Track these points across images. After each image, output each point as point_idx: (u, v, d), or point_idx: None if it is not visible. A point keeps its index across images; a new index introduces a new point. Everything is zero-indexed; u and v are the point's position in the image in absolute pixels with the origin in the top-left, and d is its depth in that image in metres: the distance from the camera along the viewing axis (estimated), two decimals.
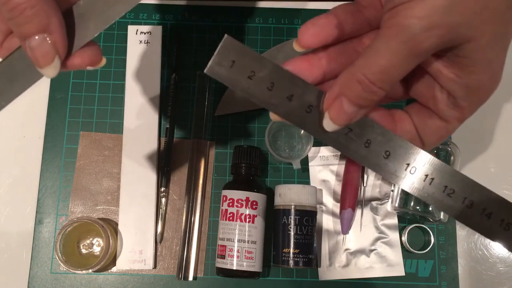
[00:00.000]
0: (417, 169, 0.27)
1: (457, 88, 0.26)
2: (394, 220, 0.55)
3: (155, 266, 0.54)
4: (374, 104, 0.26)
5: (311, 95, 0.27)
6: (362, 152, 0.28)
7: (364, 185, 0.55)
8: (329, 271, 0.54)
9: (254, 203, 0.51)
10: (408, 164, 0.27)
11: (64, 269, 0.53)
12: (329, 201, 0.56)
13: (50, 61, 0.25)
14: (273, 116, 0.29)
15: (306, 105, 0.27)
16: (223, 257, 0.50)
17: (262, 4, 0.61)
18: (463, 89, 0.26)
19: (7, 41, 0.28)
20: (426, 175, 0.27)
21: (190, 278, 0.53)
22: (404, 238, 0.54)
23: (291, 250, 0.50)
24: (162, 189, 0.55)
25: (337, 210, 0.55)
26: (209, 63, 0.29)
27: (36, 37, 0.25)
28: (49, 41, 0.25)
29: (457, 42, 0.24)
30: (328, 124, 0.27)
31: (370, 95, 0.25)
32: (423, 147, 0.29)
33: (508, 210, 0.27)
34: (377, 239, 0.54)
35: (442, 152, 0.52)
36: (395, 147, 0.27)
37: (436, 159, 0.27)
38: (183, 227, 0.54)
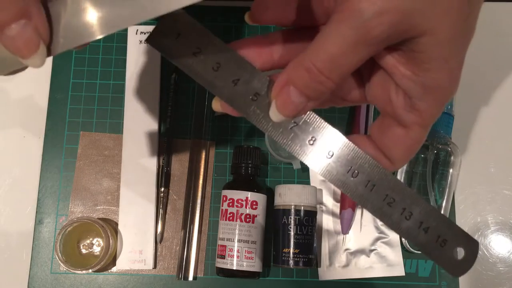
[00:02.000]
0: (359, 174, 0.26)
1: (413, 86, 0.24)
2: None
3: (155, 266, 0.54)
4: (324, 96, 0.24)
5: (258, 83, 0.26)
6: (306, 149, 0.26)
7: None
8: (329, 271, 0.54)
9: (254, 203, 0.51)
10: (351, 167, 0.26)
11: (64, 269, 0.53)
12: (329, 201, 0.56)
13: (35, 48, 0.22)
14: (215, 105, 0.27)
15: (253, 92, 0.26)
16: (223, 257, 0.50)
17: None
18: (419, 88, 0.24)
19: None
20: (368, 181, 0.26)
21: (190, 278, 0.53)
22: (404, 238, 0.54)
23: (291, 250, 0.50)
24: (162, 189, 0.55)
25: (337, 210, 0.55)
26: (152, 31, 0.26)
27: (15, 25, 0.22)
28: (31, 27, 0.22)
29: (412, 34, 0.22)
30: (274, 114, 0.25)
31: (318, 85, 0.23)
32: (393, 165, 0.27)
33: (445, 226, 0.26)
34: (377, 239, 0.54)
35: (442, 152, 0.52)
36: (338, 148, 0.26)
37: (379, 165, 0.26)
38: (183, 227, 0.54)
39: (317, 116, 0.26)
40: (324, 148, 0.26)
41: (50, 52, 0.23)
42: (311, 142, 0.26)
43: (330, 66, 0.22)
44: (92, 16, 0.23)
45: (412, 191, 0.26)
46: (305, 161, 0.26)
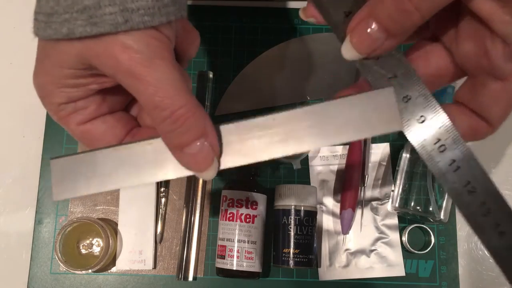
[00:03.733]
0: (447, 148, 0.24)
1: None
2: (394, 220, 0.55)
3: (155, 266, 0.53)
4: (406, 34, 0.22)
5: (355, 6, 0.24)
6: (400, 105, 0.25)
7: (364, 185, 0.55)
8: (329, 271, 0.54)
9: (254, 203, 0.51)
10: (439, 140, 0.24)
11: (64, 269, 0.53)
12: (329, 201, 0.56)
13: (210, 163, 0.25)
14: (304, 13, 0.26)
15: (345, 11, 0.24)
16: (223, 257, 0.50)
17: (262, 4, 0.61)
18: None
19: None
20: (453, 160, 0.24)
21: (190, 278, 0.53)
22: (405, 238, 0.54)
23: (291, 250, 0.50)
24: (162, 189, 0.55)
25: (337, 210, 0.55)
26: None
27: (196, 143, 0.24)
28: (207, 144, 0.24)
29: None
30: (347, 49, 0.23)
31: (403, 16, 0.21)
32: (491, 127, 0.25)
33: None
34: (377, 239, 0.54)
35: None
36: (431, 113, 0.24)
37: (471, 150, 0.24)
38: (183, 227, 0.54)
39: (415, 75, 0.25)
40: (416, 110, 0.25)
41: (219, 166, 0.25)
42: (405, 100, 0.25)
43: None
44: (252, 145, 0.25)
45: (495, 186, 0.24)
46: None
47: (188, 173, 0.25)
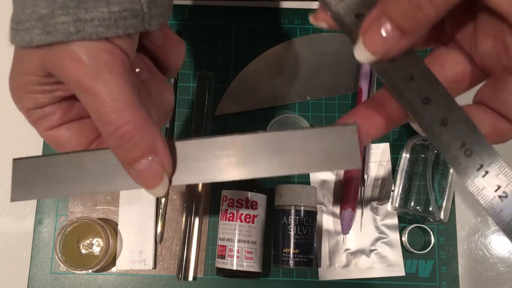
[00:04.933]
0: (473, 152, 0.23)
1: None
2: (394, 220, 0.55)
3: (155, 266, 0.53)
4: (421, 31, 0.21)
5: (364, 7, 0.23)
6: (417, 106, 0.23)
7: (364, 185, 0.55)
8: (329, 271, 0.54)
9: (254, 203, 0.51)
10: (464, 144, 0.23)
11: (64, 269, 0.53)
12: (329, 201, 0.56)
13: (159, 181, 0.24)
14: (315, 18, 0.25)
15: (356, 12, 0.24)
16: (223, 257, 0.50)
17: (262, 4, 0.61)
18: None
19: None
20: (481, 165, 0.23)
21: (190, 278, 0.53)
22: (404, 238, 0.54)
23: (291, 250, 0.50)
24: None
25: (337, 210, 0.55)
26: None
27: (144, 160, 0.24)
28: (157, 162, 0.24)
29: None
30: (360, 51, 0.22)
31: (417, 12, 0.20)
32: None
33: None
34: (377, 239, 0.54)
35: None
36: (454, 116, 0.23)
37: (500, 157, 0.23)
38: (183, 227, 0.54)
39: (435, 76, 0.24)
40: (438, 113, 0.23)
41: (170, 183, 0.25)
42: (425, 101, 0.23)
43: None
44: (207, 165, 0.25)
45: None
46: (417, 119, 0.24)
47: (140, 187, 0.25)
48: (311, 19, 0.26)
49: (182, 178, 0.25)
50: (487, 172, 0.23)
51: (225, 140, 0.25)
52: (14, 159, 0.26)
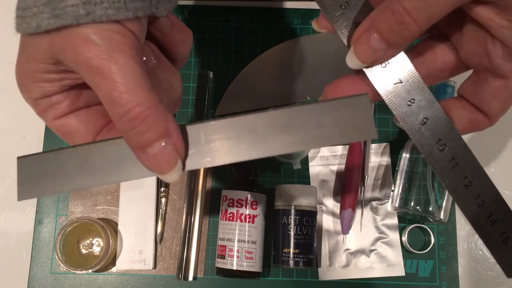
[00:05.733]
0: (447, 147, 0.26)
1: (510, 35, 0.24)
2: (394, 220, 0.55)
3: (155, 266, 0.54)
4: (405, 44, 0.24)
5: (361, 15, 0.25)
6: (403, 108, 0.26)
7: (364, 185, 0.55)
8: (329, 271, 0.54)
9: (254, 203, 0.51)
10: (440, 140, 0.26)
11: (64, 269, 0.53)
12: (329, 201, 0.56)
13: (173, 165, 0.24)
14: (317, 25, 0.27)
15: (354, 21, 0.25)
16: (223, 257, 0.50)
17: (262, 4, 0.61)
18: None
19: (97, 140, 0.27)
20: (453, 158, 0.26)
21: (190, 278, 0.53)
22: (404, 238, 0.54)
23: (291, 250, 0.50)
24: (162, 189, 0.55)
25: (337, 210, 0.55)
26: None
27: (157, 144, 0.23)
28: (170, 145, 0.23)
29: None
30: (351, 59, 0.25)
31: (402, 28, 0.23)
32: (490, 120, 0.27)
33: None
34: (377, 239, 0.54)
35: None
36: (434, 116, 0.26)
37: (468, 147, 0.26)
38: (183, 227, 0.54)
39: (420, 78, 0.26)
40: (419, 112, 0.26)
41: (184, 168, 0.24)
42: (409, 103, 0.26)
43: (419, 6, 0.22)
44: (219, 147, 0.24)
45: (489, 179, 0.26)
46: (401, 120, 0.26)
47: (152, 174, 0.24)
48: (314, 25, 0.27)
49: (196, 162, 0.24)
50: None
51: (236, 120, 0.24)
52: (19, 157, 0.25)
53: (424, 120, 0.26)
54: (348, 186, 0.54)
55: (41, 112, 0.27)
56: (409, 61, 0.25)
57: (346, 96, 0.24)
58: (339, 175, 0.56)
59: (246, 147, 0.24)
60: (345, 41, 0.26)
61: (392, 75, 0.25)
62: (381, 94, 0.26)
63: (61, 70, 0.25)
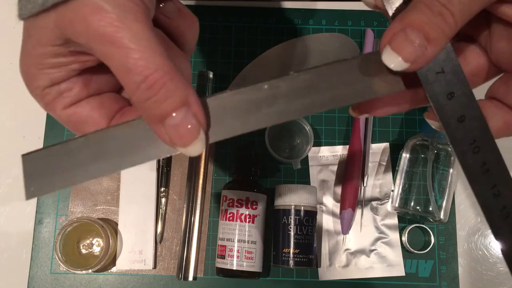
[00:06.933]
0: (480, 150, 0.24)
1: None
2: (394, 220, 0.55)
3: (155, 266, 0.54)
4: (444, 41, 0.22)
5: None
6: (442, 100, 0.24)
7: (364, 185, 0.55)
8: (329, 271, 0.54)
9: (254, 203, 0.51)
10: (474, 141, 0.24)
11: (64, 269, 0.53)
12: (329, 201, 0.56)
13: (196, 135, 0.22)
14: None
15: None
16: (223, 257, 0.50)
17: (262, 4, 0.61)
18: None
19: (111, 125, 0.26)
20: (484, 163, 0.24)
21: (190, 278, 0.53)
22: (404, 238, 0.54)
23: (291, 250, 0.50)
24: (162, 189, 0.55)
25: (337, 210, 0.55)
26: None
27: (178, 113, 0.22)
28: (191, 114, 0.22)
29: None
30: (388, 56, 0.22)
31: (440, 20, 0.21)
32: None
33: None
34: (377, 239, 0.54)
35: (442, 152, 0.52)
36: (472, 115, 0.24)
37: (501, 154, 0.24)
38: (183, 227, 0.54)
39: (462, 71, 0.24)
40: (458, 108, 0.24)
41: (207, 139, 0.23)
42: (449, 96, 0.24)
43: (453, 0, 0.21)
44: (240, 116, 0.23)
45: None
46: (438, 112, 0.24)
47: (171, 151, 0.23)
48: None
49: (220, 132, 0.23)
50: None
51: (259, 87, 0.23)
52: (23, 155, 0.24)
53: (461, 117, 0.24)
54: (348, 186, 0.54)
55: (49, 102, 0.26)
56: (453, 51, 0.24)
57: (369, 52, 0.24)
58: (339, 175, 0.56)
59: (274, 112, 0.23)
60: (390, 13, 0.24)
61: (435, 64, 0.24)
62: (422, 82, 0.24)
63: (70, 52, 0.24)
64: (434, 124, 0.26)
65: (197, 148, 0.22)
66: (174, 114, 0.22)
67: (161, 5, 0.26)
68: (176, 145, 0.22)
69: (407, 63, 0.22)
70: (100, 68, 0.25)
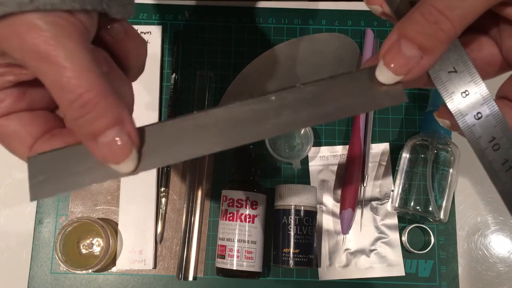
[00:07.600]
0: (500, 148, 0.24)
1: None
2: (394, 220, 0.55)
3: (155, 266, 0.54)
4: (441, 49, 0.22)
5: None
6: (458, 99, 0.24)
7: (364, 185, 0.55)
8: (329, 271, 0.54)
9: (254, 203, 0.51)
10: (493, 138, 0.24)
11: (64, 269, 0.53)
12: (329, 201, 0.56)
13: (128, 153, 0.23)
14: (369, 1, 0.25)
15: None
16: (223, 257, 0.50)
17: (262, 4, 0.61)
18: None
19: (36, 145, 0.26)
20: (506, 160, 0.24)
21: (190, 278, 0.53)
22: (404, 238, 0.54)
23: (291, 250, 0.50)
24: (162, 189, 0.55)
25: (337, 210, 0.55)
26: None
27: (110, 131, 0.22)
28: (124, 132, 0.22)
29: None
30: (381, 71, 0.23)
31: (435, 28, 0.21)
32: None
33: None
34: (377, 239, 0.54)
35: (442, 152, 0.52)
36: (488, 112, 0.24)
37: None
38: (183, 227, 0.54)
39: (474, 69, 0.24)
40: (474, 105, 0.24)
41: (140, 158, 0.24)
42: (464, 95, 0.24)
43: (452, 4, 0.21)
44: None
45: None
46: (454, 111, 0.24)
47: (109, 175, 0.23)
48: (365, 1, 0.26)
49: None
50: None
51: (266, 98, 0.24)
52: (29, 157, 0.24)
53: (478, 114, 0.24)
54: (348, 186, 0.54)
55: None
56: (464, 51, 0.24)
57: (372, 66, 0.24)
58: (339, 175, 0.56)
59: (279, 121, 0.24)
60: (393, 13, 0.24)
61: (447, 63, 0.24)
62: (433, 80, 0.24)
63: (6, 63, 0.24)
64: (444, 123, 0.26)
65: (129, 165, 0.23)
66: (106, 132, 0.22)
67: (108, 27, 0.26)
68: (109, 162, 0.23)
69: (399, 76, 0.22)
70: (36, 83, 0.25)
